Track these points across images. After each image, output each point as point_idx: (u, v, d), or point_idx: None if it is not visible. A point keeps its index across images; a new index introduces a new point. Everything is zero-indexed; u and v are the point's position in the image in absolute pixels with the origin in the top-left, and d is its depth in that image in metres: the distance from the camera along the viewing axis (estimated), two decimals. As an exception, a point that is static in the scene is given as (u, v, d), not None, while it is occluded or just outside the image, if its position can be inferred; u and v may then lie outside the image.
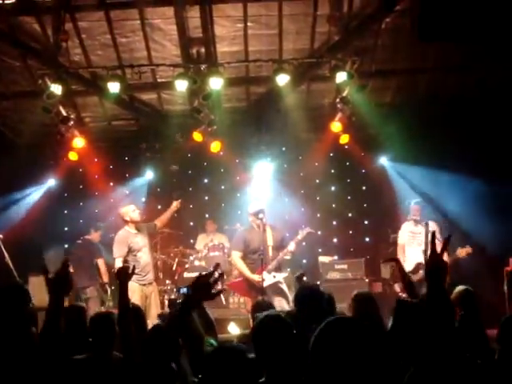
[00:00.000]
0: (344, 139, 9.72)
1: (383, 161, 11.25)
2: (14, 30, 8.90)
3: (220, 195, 11.92)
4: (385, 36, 9.41)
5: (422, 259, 8.58)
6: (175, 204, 8.94)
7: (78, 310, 5.32)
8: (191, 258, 10.77)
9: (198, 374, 3.40)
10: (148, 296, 8.14)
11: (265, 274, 7.79)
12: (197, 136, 9.76)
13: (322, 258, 10.40)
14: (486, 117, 10.04)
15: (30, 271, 8.91)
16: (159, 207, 11.27)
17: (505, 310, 8.17)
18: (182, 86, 8.88)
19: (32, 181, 11.21)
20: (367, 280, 9.87)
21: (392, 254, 9.08)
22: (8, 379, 2.82)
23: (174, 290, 10.09)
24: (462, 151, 10.00)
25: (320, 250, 11.08)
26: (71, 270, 9.98)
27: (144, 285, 8.11)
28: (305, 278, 10.01)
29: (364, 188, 11.76)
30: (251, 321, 5.79)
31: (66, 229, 11.49)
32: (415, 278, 8.24)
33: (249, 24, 9.15)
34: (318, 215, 11.58)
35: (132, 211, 8.43)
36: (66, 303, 8.33)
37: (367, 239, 11.74)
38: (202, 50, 9.31)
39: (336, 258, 10.60)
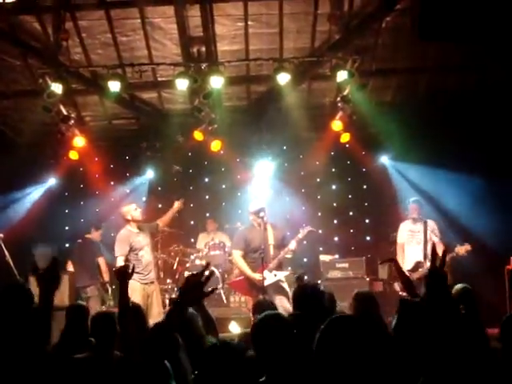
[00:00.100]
0: (345, 138, 9.72)
1: (384, 159, 11.25)
2: (14, 28, 8.90)
3: (221, 194, 11.92)
4: (385, 35, 9.40)
5: (421, 257, 8.58)
6: (177, 204, 8.96)
7: (80, 309, 5.32)
8: (192, 257, 10.77)
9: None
10: (150, 295, 8.14)
11: (266, 272, 7.79)
12: (197, 135, 9.76)
13: (323, 257, 10.40)
14: (486, 116, 10.04)
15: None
16: (160, 206, 11.28)
17: (505, 309, 8.16)
18: (182, 84, 8.88)
19: (32, 180, 11.21)
20: (368, 279, 9.87)
21: (393, 254, 9.07)
22: (10, 378, 2.82)
23: (175, 289, 10.09)
24: (462, 150, 9.99)
25: (321, 249, 11.09)
26: (71, 268, 9.87)
27: (146, 284, 8.12)
28: (306, 277, 10.08)
29: (365, 187, 11.75)
30: (252, 320, 5.78)
31: (66, 228, 11.49)
32: (415, 276, 8.24)
33: (249, 23, 9.15)
34: (319, 214, 11.57)
35: (134, 210, 8.43)
36: (67, 302, 8.35)
37: (368, 238, 11.73)
38: (203, 48, 9.31)
39: (337, 256, 10.59)
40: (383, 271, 9.67)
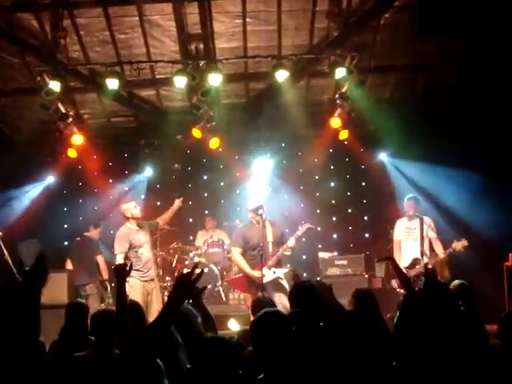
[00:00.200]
0: (343, 135, 9.71)
1: (382, 156, 11.25)
2: (12, 26, 8.88)
3: (219, 192, 11.91)
4: (384, 32, 9.40)
5: (418, 254, 8.59)
6: (177, 203, 8.97)
7: (79, 307, 5.32)
8: (191, 254, 10.77)
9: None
10: (150, 292, 8.14)
11: (265, 269, 7.80)
12: (196, 132, 9.75)
13: (322, 254, 10.40)
14: (484, 113, 10.05)
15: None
16: (158, 204, 11.28)
17: (504, 306, 8.17)
18: (180, 82, 8.86)
19: (31, 178, 11.19)
20: (367, 276, 9.88)
21: (390, 251, 9.08)
22: (10, 377, 2.82)
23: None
24: (460, 146, 10.00)
25: (320, 246, 11.09)
26: (70, 266, 9.84)
27: (146, 281, 8.12)
28: (305, 274, 10.09)
29: (363, 184, 11.75)
30: (251, 317, 5.78)
31: (65, 226, 11.48)
32: (412, 273, 8.25)
33: (248, 20, 9.14)
34: (318, 211, 11.56)
35: (133, 208, 8.44)
36: (66, 300, 8.35)
37: (367, 235, 11.73)
38: (201, 46, 9.30)
39: (336, 253, 10.61)
40: (380, 269, 9.68)
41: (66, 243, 11.01)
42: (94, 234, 10.27)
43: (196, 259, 10.57)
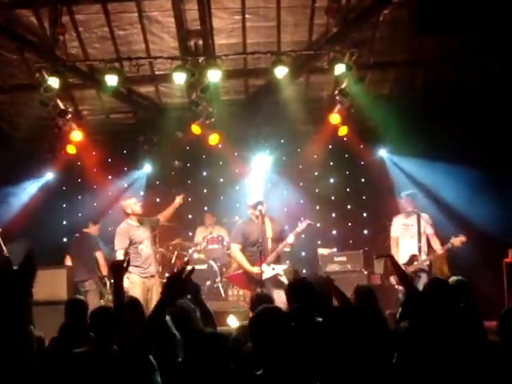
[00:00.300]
0: (343, 131, 9.70)
1: (382, 153, 11.24)
2: (10, 23, 8.87)
3: (219, 188, 11.91)
4: (383, 28, 9.39)
5: (415, 251, 8.59)
6: (178, 200, 8.97)
7: (79, 304, 5.32)
8: (190, 250, 10.78)
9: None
10: (150, 289, 8.16)
11: (264, 266, 7.80)
12: (195, 129, 9.74)
13: (321, 250, 10.40)
14: (483, 109, 10.04)
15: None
16: (158, 200, 11.28)
17: (503, 302, 8.18)
18: (179, 78, 8.85)
19: (30, 174, 11.20)
20: (366, 272, 9.89)
21: (387, 248, 9.09)
22: (7, 373, 2.82)
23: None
24: (459, 143, 9.99)
25: (319, 243, 11.08)
26: (69, 262, 9.83)
27: (146, 277, 8.14)
28: (304, 271, 10.09)
29: (363, 180, 11.74)
30: (250, 313, 5.79)
31: (64, 222, 11.49)
32: (410, 269, 8.25)
33: (247, 16, 9.12)
34: (317, 207, 11.57)
35: (134, 204, 8.47)
36: (65, 296, 8.37)
37: (366, 231, 11.73)
38: (200, 42, 9.29)
39: (335, 250, 10.61)
40: (379, 266, 9.67)
41: (64, 240, 11.02)
42: (93, 230, 10.27)
43: (195, 255, 10.58)
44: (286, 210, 10.70)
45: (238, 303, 9.61)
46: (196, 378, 2.90)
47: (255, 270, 7.85)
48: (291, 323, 3.32)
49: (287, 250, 8.22)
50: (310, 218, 8.52)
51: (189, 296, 4.66)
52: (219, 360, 2.94)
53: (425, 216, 8.84)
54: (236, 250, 8.21)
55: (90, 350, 4.10)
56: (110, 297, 9.45)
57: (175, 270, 3.16)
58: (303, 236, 9.10)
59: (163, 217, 8.97)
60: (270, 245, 8.05)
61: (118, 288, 3.59)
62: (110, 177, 11.62)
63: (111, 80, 8.79)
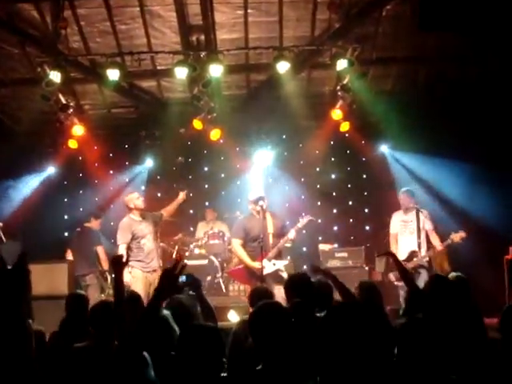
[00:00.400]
0: (344, 127, 9.70)
1: (384, 149, 11.23)
2: (12, 17, 8.84)
3: (220, 183, 11.90)
4: (385, 23, 9.36)
5: (415, 247, 8.58)
6: (182, 195, 8.96)
7: (79, 299, 5.33)
8: (191, 245, 10.79)
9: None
10: (152, 283, 8.14)
11: (265, 261, 7.80)
12: (197, 124, 9.73)
13: (322, 246, 10.40)
14: (484, 105, 10.02)
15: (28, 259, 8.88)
16: (159, 195, 11.28)
17: (504, 299, 8.18)
18: (181, 73, 8.84)
19: (31, 169, 11.20)
20: (367, 268, 9.89)
21: (387, 244, 9.09)
22: (7, 367, 2.82)
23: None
24: (461, 139, 9.99)
25: (320, 238, 11.08)
26: (70, 257, 9.84)
27: (148, 272, 8.15)
28: (305, 267, 10.09)
29: (364, 176, 11.74)
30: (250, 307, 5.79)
31: (65, 217, 11.50)
32: (409, 266, 8.23)
33: (249, 11, 9.09)
34: (318, 203, 11.57)
35: (136, 199, 8.47)
36: (66, 290, 8.38)
37: (367, 227, 11.73)
38: (202, 37, 9.26)
39: (336, 246, 10.60)
40: (380, 264, 9.66)
41: (66, 234, 11.03)
42: (94, 224, 10.27)
43: (196, 251, 10.60)
44: (287, 205, 10.69)
45: (238, 298, 9.61)
46: (187, 371, 2.89)
47: (256, 265, 7.84)
48: (291, 319, 3.32)
49: (288, 245, 8.22)
50: (311, 213, 8.52)
51: (190, 291, 4.66)
52: (211, 353, 2.93)
53: (424, 212, 8.83)
54: (237, 245, 8.20)
55: (91, 344, 4.11)
56: (111, 291, 9.47)
57: (168, 267, 3.17)
58: (304, 232, 9.11)
59: (166, 212, 8.96)
60: (271, 240, 8.04)
61: (118, 282, 3.59)
62: (111, 171, 11.62)
63: (113, 74, 8.79)
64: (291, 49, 8.98)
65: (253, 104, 10.54)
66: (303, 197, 11.57)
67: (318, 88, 10.72)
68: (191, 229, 11.59)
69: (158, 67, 10.04)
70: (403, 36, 9.48)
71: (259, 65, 9.97)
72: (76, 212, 11.26)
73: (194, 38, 9.30)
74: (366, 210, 11.86)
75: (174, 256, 10.77)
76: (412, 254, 8.53)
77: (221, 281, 10.21)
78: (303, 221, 8.16)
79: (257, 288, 5.66)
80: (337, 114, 9.48)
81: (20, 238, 9.75)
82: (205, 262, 10.32)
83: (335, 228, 11.76)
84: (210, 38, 9.29)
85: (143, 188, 11.23)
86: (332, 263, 9.97)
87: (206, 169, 12.19)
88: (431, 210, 9.09)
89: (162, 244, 10.56)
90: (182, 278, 5.32)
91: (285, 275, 7.92)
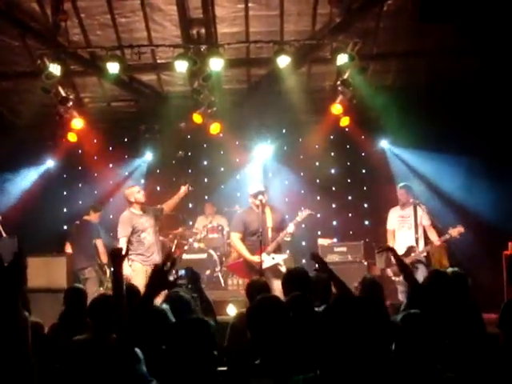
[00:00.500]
0: (344, 122, 9.69)
1: (383, 144, 11.23)
2: (12, 9, 8.82)
3: (219, 177, 11.89)
4: (386, 18, 9.33)
5: (413, 242, 8.58)
6: (183, 189, 8.92)
7: (78, 292, 5.34)
8: (190, 239, 10.79)
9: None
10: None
11: (264, 255, 7.81)
12: (196, 117, 9.72)
13: (322, 241, 10.39)
14: (485, 100, 10.01)
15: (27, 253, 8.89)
16: (158, 189, 11.28)
17: (503, 294, 8.19)
18: (181, 66, 8.82)
19: (31, 162, 11.20)
20: (366, 263, 9.89)
21: (385, 240, 9.10)
22: (3, 361, 2.83)
23: (173, 271, 10.09)
24: (461, 133, 9.98)
25: (319, 233, 11.08)
26: (69, 250, 9.82)
27: (148, 265, 8.12)
28: (304, 261, 10.09)
29: (364, 171, 11.74)
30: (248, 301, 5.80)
31: (64, 210, 11.50)
32: (407, 261, 8.22)
33: (250, 5, 9.07)
34: (318, 198, 11.57)
35: (137, 192, 8.46)
36: (65, 284, 8.37)
37: (366, 222, 11.73)
38: (203, 30, 9.24)
39: (335, 240, 10.61)
40: (380, 260, 9.66)
41: (65, 227, 11.03)
42: (93, 217, 10.27)
43: (195, 245, 10.60)
44: (286, 199, 10.70)
45: (237, 292, 9.61)
46: (177, 365, 2.88)
47: (255, 258, 7.85)
48: (289, 312, 3.32)
49: (287, 239, 8.22)
50: (310, 208, 8.50)
51: (188, 285, 4.67)
52: (198, 346, 2.91)
53: (422, 206, 8.82)
54: (236, 238, 8.21)
55: (90, 337, 4.11)
56: (110, 284, 9.47)
57: (158, 263, 3.17)
58: (303, 226, 9.11)
59: (167, 206, 8.92)
60: (270, 234, 8.04)
61: (117, 275, 3.59)
62: (110, 165, 11.62)
63: (113, 68, 8.77)
64: (292, 43, 8.96)
65: (253, 98, 10.52)
66: (303, 191, 11.57)
67: (318, 82, 10.71)
68: (190, 223, 11.59)
69: (158, 61, 10.02)
70: (404, 31, 9.46)
71: (260, 59, 9.94)
72: (75, 205, 11.26)
73: (194, 32, 9.28)
74: (366, 205, 11.86)
75: (173, 250, 10.77)
76: (410, 250, 8.54)
77: (220, 275, 10.21)
78: (302, 214, 8.16)
79: (254, 281, 5.65)
80: (337, 108, 9.46)
81: (16, 235, 9.72)
82: (204, 255, 10.32)
83: (334, 222, 11.76)
84: (211, 32, 9.27)
85: (142, 181, 11.23)
86: (331, 258, 9.96)
87: (205, 163, 12.18)
88: (430, 204, 9.08)
89: (161, 238, 10.57)
90: (182, 272, 5.34)
91: (283, 269, 7.93)
